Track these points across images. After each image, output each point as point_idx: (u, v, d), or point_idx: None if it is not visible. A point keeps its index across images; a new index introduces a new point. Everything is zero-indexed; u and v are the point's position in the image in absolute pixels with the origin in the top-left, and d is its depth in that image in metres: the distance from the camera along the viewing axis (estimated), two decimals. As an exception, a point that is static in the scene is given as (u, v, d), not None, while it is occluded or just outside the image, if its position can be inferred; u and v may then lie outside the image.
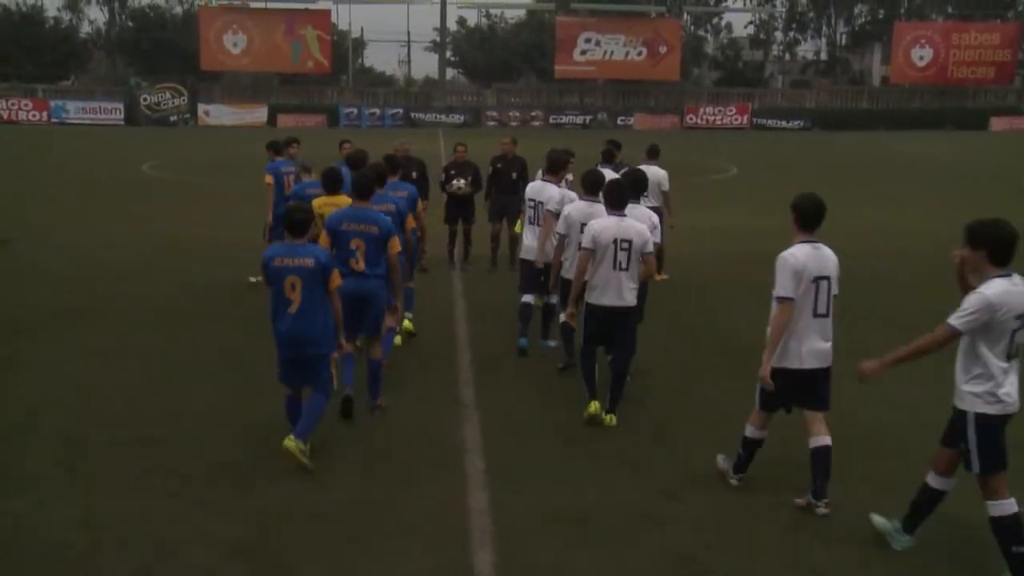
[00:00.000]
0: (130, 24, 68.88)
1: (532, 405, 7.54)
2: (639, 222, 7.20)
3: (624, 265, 6.93)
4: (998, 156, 37.41)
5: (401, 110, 59.23)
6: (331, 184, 8.05)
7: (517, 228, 13.06)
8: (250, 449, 6.53)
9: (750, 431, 5.95)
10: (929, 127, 57.58)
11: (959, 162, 34.49)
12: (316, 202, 7.98)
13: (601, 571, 4.98)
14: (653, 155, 12.32)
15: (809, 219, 5.82)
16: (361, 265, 7.05)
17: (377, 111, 58.91)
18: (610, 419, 7.11)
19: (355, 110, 58.64)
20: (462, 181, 12.69)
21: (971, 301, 4.77)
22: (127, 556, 5.07)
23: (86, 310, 10.45)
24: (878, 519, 5.36)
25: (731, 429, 6.89)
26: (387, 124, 57.03)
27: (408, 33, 76.77)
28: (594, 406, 7.13)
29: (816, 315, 5.72)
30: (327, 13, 63.23)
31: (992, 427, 4.83)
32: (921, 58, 64.26)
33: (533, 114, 59.64)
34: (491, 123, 57.07)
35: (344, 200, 7.80)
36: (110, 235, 15.74)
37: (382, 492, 5.87)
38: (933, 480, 5.14)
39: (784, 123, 60.13)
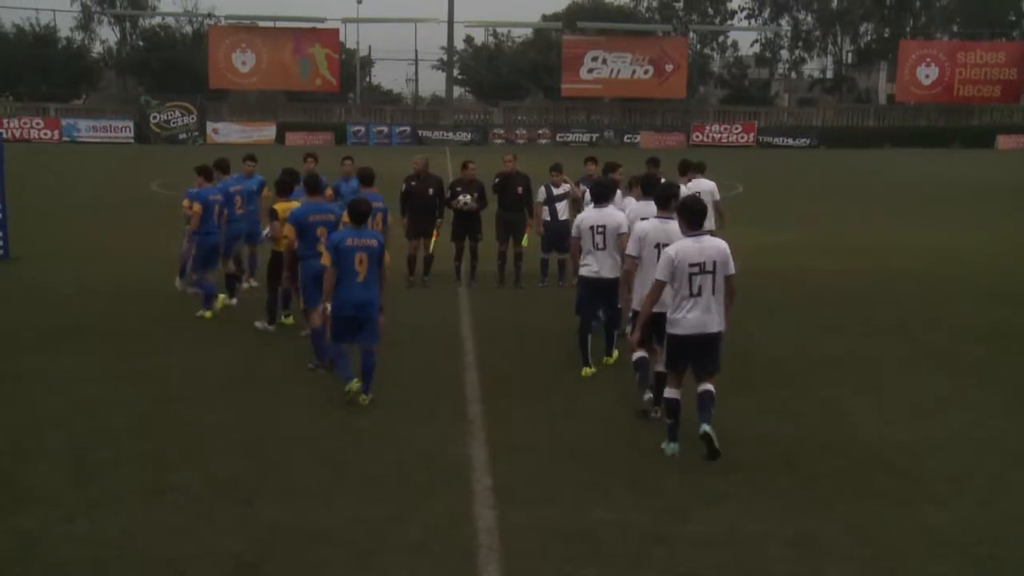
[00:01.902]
0: (140, 44, 69.32)
1: (539, 423, 7.50)
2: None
3: (601, 245, 8.55)
4: (1007, 174, 37.33)
5: (408, 128, 59.42)
6: (284, 188, 10.02)
7: (523, 242, 13.11)
8: (255, 466, 6.50)
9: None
10: (935, 145, 57.52)
11: (966, 179, 34.43)
12: (277, 206, 9.87)
13: (608, 590, 4.94)
14: (701, 168, 12.88)
15: (661, 200, 7.58)
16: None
17: (385, 129, 59.11)
18: (607, 361, 8.89)
19: (362, 128, 58.84)
20: (468, 197, 12.71)
21: (661, 259, 6.75)
22: (133, 573, 5.05)
23: (92, 328, 10.44)
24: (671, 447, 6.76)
25: (743, 448, 6.86)
26: (395, 142, 57.21)
27: (415, 51, 76.98)
28: (586, 371, 8.69)
29: None
30: (335, 32, 63.59)
31: (674, 342, 6.76)
32: (927, 76, 64.25)
33: (540, 132, 59.77)
34: (498, 141, 57.19)
35: (294, 203, 9.63)
36: (117, 253, 15.76)
37: (388, 509, 5.83)
38: (670, 393, 6.82)
39: (790, 141, 60.07)
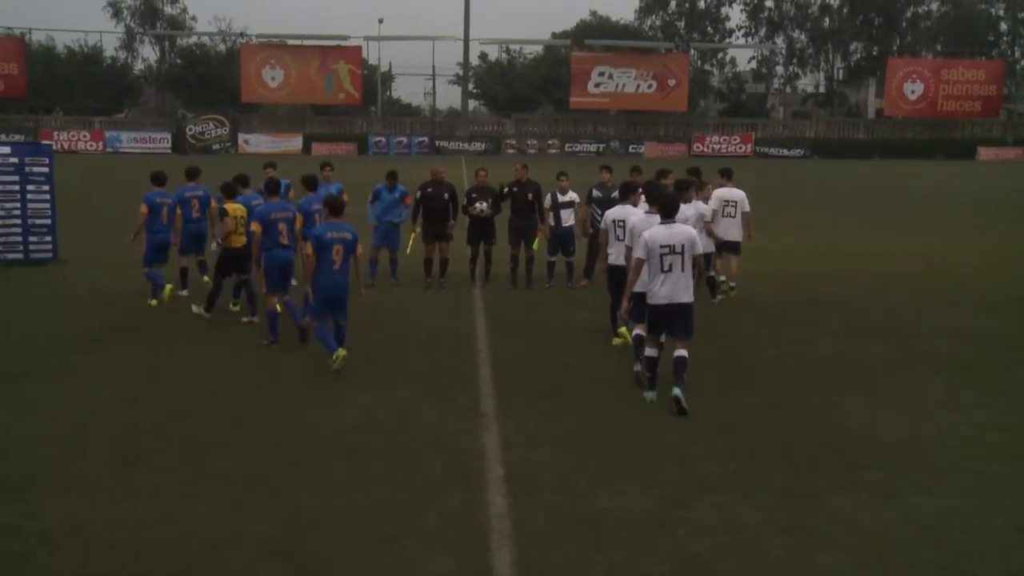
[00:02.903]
0: (178, 61, 69.87)
1: (549, 416, 7.48)
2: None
3: (621, 237, 9.11)
4: (989, 184, 37.09)
5: (426, 139, 59.54)
6: (232, 191, 10.86)
7: (534, 246, 13.10)
8: (282, 457, 6.52)
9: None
10: (920, 156, 57.29)
11: (952, 190, 34.22)
12: (226, 205, 10.51)
13: (614, 573, 4.93)
14: (729, 176, 12.96)
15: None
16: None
17: (404, 139, 59.27)
18: (615, 341, 9.59)
19: (383, 139, 59.01)
20: (484, 204, 12.72)
21: (639, 241, 7.65)
22: (172, 554, 5.08)
23: (131, 328, 10.48)
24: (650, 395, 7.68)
25: (742, 442, 6.85)
26: (413, 152, 57.34)
27: (433, 67, 77.41)
28: (616, 340, 9.59)
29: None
30: (358, 49, 63.84)
31: (651, 311, 7.65)
32: (913, 92, 64.04)
33: (550, 142, 59.81)
34: (511, 151, 57.23)
35: (239, 206, 10.54)
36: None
37: (407, 498, 5.84)
38: (649, 352, 7.76)
39: (785, 151, 60.01)
